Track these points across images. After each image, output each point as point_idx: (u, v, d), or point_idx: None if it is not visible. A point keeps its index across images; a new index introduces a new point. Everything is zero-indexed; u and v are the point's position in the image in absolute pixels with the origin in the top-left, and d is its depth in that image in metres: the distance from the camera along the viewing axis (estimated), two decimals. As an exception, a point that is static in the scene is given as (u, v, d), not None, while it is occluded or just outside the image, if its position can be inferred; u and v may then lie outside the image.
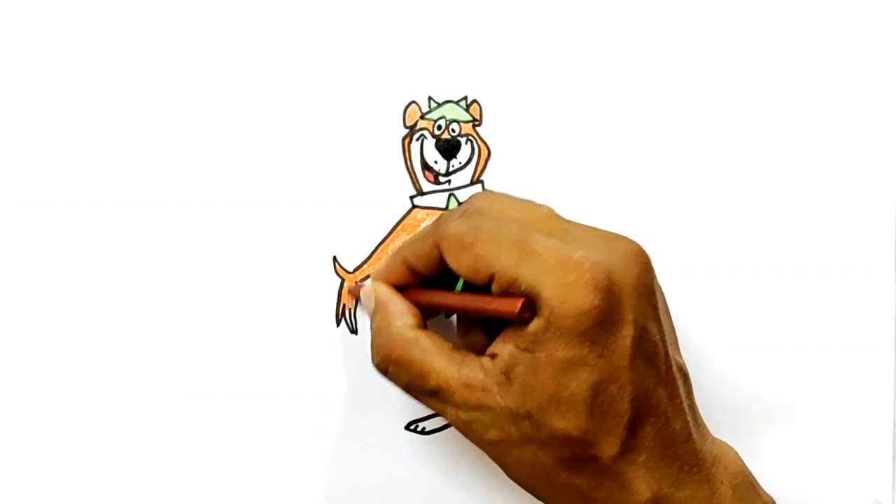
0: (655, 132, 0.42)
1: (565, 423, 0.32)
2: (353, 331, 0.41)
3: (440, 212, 0.42)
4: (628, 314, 0.32)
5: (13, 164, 0.41)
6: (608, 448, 0.32)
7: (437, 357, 0.34)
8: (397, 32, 0.42)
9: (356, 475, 0.42)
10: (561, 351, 0.31)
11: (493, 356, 0.33)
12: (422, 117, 0.42)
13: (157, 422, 0.41)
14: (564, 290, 0.31)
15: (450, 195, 0.42)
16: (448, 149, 0.42)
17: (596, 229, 0.34)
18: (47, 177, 0.41)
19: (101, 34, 0.42)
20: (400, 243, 0.41)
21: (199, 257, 0.41)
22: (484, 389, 0.33)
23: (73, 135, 0.41)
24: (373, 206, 0.42)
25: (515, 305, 0.32)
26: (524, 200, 0.35)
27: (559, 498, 0.34)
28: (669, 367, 0.34)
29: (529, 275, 0.32)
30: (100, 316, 0.41)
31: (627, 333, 0.32)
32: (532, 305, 0.32)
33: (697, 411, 0.36)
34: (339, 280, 0.42)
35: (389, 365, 0.35)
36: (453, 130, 0.42)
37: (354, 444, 0.42)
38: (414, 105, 0.42)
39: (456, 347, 0.35)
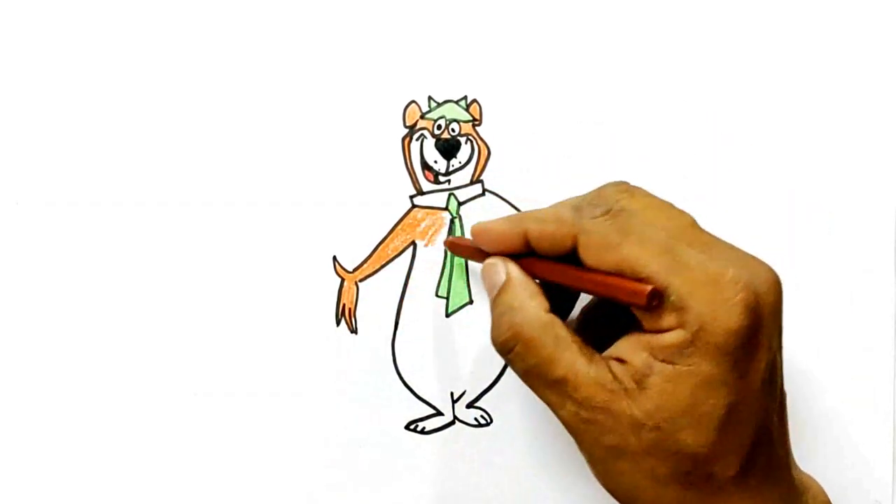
0: (655, 132, 0.42)
1: (695, 438, 0.31)
2: (353, 331, 0.41)
3: (440, 212, 0.42)
4: (766, 339, 0.32)
5: (13, 164, 0.41)
6: (728, 468, 0.32)
7: (569, 347, 0.33)
8: (397, 32, 0.42)
9: (356, 475, 0.42)
10: (706, 367, 0.31)
11: (622, 361, 0.32)
12: (422, 117, 0.42)
13: (157, 421, 0.41)
14: (716, 307, 0.31)
15: (450, 195, 0.42)
16: (448, 148, 0.42)
17: (736, 248, 0.33)
18: (47, 177, 0.41)
19: (101, 34, 0.42)
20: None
21: (199, 257, 0.41)
22: (612, 392, 0.32)
23: (73, 135, 0.42)
24: (373, 206, 0.42)
25: (645, 291, 0.31)
26: (667, 204, 0.34)
27: None
28: (784, 395, 0.34)
29: (680, 286, 0.31)
30: (99, 316, 0.41)
31: (763, 357, 0.32)
32: (661, 298, 0.31)
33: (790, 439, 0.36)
34: (339, 280, 0.42)
35: (517, 344, 0.34)
36: (453, 130, 0.42)
37: (354, 444, 0.42)
38: (414, 105, 0.42)
39: (585, 343, 0.34)
